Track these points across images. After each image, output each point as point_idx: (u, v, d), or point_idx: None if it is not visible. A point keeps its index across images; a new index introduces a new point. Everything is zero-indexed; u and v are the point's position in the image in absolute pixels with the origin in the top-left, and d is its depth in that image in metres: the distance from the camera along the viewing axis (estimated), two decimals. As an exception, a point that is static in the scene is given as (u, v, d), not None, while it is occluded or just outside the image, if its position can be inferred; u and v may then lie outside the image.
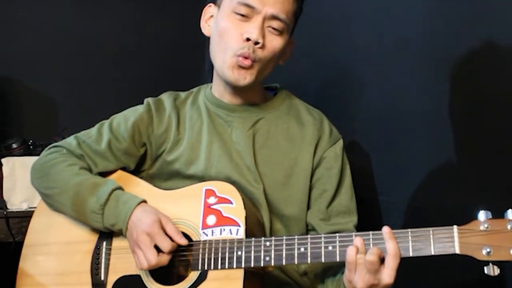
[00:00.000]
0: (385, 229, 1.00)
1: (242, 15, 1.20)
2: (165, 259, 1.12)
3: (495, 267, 0.90)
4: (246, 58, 1.20)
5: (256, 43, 1.19)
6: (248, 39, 1.19)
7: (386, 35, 1.45)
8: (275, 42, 1.22)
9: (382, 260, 0.99)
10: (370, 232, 1.02)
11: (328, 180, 1.27)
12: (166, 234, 1.13)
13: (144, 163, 1.32)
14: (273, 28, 1.21)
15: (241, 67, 1.21)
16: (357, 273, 1.00)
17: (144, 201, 1.18)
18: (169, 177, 1.29)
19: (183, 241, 1.13)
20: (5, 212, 1.58)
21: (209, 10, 1.30)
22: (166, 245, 1.11)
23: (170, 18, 2.24)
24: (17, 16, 2.04)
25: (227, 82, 1.25)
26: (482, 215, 0.93)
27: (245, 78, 1.22)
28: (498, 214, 0.94)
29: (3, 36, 2.01)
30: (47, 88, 2.05)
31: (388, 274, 0.98)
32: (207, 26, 1.30)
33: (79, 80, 2.10)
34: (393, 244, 0.98)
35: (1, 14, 2.02)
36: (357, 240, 1.01)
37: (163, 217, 1.14)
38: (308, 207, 1.28)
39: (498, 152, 1.14)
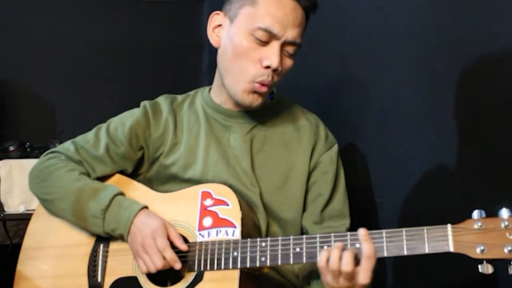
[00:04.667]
0: (361, 231, 1.01)
1: (260, 41, 1.17)
2: (169, 262, 1.13)
3: (489, 265, 0.90)
4: (263, 85, 1.19)
5: (275, 70, 1.18)
6: (267, 67, 1.18)
7: (384, 39, 1.45)
8: (288, 64, 1.22)
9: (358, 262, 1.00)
10: (348, 233, 1.02)
11: (323, 184, 1.28)
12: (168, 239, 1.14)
13: (141, 166, 1.32)
14: (288, 52, 1.20)
15: (258, 93, 1.20)
16: (330, 278, 1.01)
17: (146, 207, 1.19)
18: (166, 181, 1.29)
19: (184, 247, 1.13)
20: (2, 215, 1.60)
21: (217, 18, 1.25)
22: (165, 248, 1.12)
23: (167, 21, 2.25)
24: (14, 20, 2.06)
25: (236, 102, 1.25)
26: (475, 214, 0.94)
27: (258, 100, 1.22)
28: (492, 214, 0.94)
29: (1, 39, 2.02)
30: (44, 91, 2.06)
31: (363, 275, 0.99)
32: (215, 36, 1.25)
33: (76, 83, 2.11)
34: (368, 245, 0.98)
35: (-2, 18, 2.04)
36: (333, 252, 1.00)
37: (166, 222, 1.15)
38: (304, 210, 1.28)
39: (493, 154, 1.14)
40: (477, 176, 1.17)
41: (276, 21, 1.16)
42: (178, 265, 1.12)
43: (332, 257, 1.00)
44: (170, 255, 1.12)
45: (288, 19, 1.17)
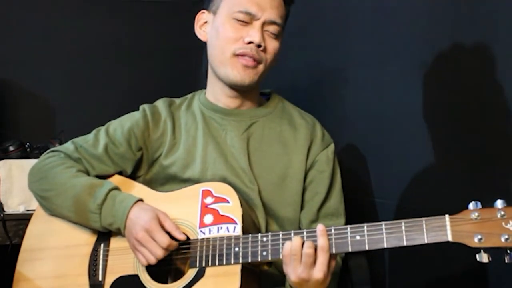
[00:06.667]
0: (319, 227, 1.06)
1: (242, 21, 1.25)
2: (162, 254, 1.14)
3: (486, 254, 0.92)
4: (249, 57, 1.24)
5: (259, 46, 1.25)
6: (250, 42, 1.24)
7: (380, 38, 1.47)
8: (273, 45, 1.28)
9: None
10: (304, 230, 1.08)
11: (320, 183, 1.30)
12: (165, 230, 1.14)
13: (140, 168, 1.33)
14: (271, 32, 1.27)
15: (247, 66, 1.25)
16: (291, 267, 1.05)
17: (141, 200, 1.20)
18: (166, 181, 1.31)
19: (182, 236, 1.14)
20: (2, 215, 1.59)
21: (203, 16, 1.34)
22: (164, 241, 1.13)
23: (167, 22, 2.26)
24: (15, 19, 2.05)
25: (230, 83, 1.28)
26: (471, 205, 0.96)
27: (250, 76, 1.26)
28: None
29: (1, 39, 2.02)
30: (44, 91, 2.06)
31: (318, 269, 1.04)
32: (202, 32, 1.33)
33: (76, 83, 2.11)
34: (324, 239, 1.04)
35: (-1, 17, 2.04)
36: (294, 238, 1.06)
37: (161, 214, 1.16)
38: (301, 209, 1.30)
39: (491, 153, 1.16)
40: (476, 177, 1.19)
41: (253, 3, 1.25)
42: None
43: (295, 242, 1.05)
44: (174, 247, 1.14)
45: (265, 2, 1.26)
